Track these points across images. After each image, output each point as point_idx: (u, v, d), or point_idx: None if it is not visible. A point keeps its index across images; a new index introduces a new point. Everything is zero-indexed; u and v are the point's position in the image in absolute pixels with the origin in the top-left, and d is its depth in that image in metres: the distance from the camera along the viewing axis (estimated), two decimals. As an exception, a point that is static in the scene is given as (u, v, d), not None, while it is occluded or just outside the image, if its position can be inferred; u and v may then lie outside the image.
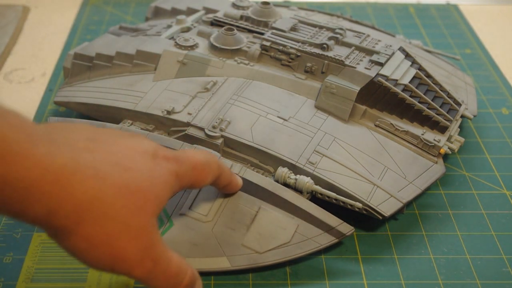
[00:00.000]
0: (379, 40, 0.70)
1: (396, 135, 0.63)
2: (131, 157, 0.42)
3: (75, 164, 0.38)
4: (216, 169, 0.49)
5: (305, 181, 0.57)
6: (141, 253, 0.41)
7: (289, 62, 0.67)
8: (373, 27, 0.80)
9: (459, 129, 0.67)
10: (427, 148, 0.62)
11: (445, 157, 0.65)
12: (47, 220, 0.38)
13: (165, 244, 0.43)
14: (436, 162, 0.62)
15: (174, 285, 0.44)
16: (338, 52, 0.66)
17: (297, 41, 0.68)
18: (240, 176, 0.56)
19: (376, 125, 0.63)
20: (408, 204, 0.60)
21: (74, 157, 0.39)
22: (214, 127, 0.61)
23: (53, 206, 0.38)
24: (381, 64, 0.65)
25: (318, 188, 0.57)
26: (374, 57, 0.66)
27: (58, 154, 0.38)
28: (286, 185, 0.57)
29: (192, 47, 0.69)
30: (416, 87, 0.65)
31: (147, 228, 0.41)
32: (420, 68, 0.68)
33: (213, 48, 0.69)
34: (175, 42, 0.70)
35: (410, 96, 0.63)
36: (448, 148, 0.63)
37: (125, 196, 0.40)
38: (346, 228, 0.55)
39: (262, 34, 0.71)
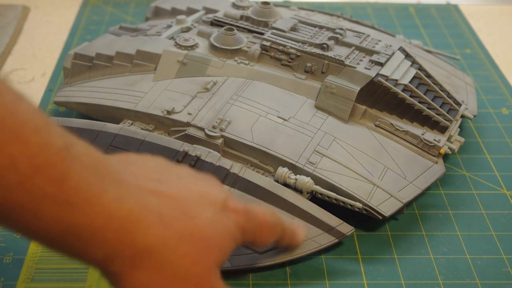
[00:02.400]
0: (379, 40, 0.70)
1: (396, 135, 0.63)
2: (200, 206, 0.40)
3: (141, 210, 0.37)
4: (280, 232, 0.48)
5: (305, 181, 0.57)
6: None
7: (289, 62, 0.67)
8: (373, 27, 0.80)
9: (459, 129, 0.67)
10: (427, 148, 0.62)
11: (445, 157, 0.65)
12: (102, 265, 0.37)
13: None
14: (436, 162, 0.62)
15: None
16: (338, 52, 0.66)
17: (297, 41, 0.68)
18: (241, 176, 0.56)
19: (376, 125, 0.63)
20: (408, 204, 0.60)
21: (141, 201, 0.38)
22: (214, 127, 0.61)
23: (112, 252, 0.37)
24: (381, 64, 0.65)
25: (318, 188, 0.57)
26: (374, 57, 0.65)
27: (125, 199, 0.37)
28: (286, 185, 0.57)
29: (192, 47, 0.69)
30: (416, 87, 0.65)
31: (209, 278, 0.40)
32: (420, 68, 0.68)
33: (213, 48, 0.69)
34: (175, 42, 0.70)
35: (410, 96, 0.63)
36: (448, 148, 0.63)
37: (188, 244, 0.39)
38: (346, 228, 0.55)
39: (262, 34, 0.71)
